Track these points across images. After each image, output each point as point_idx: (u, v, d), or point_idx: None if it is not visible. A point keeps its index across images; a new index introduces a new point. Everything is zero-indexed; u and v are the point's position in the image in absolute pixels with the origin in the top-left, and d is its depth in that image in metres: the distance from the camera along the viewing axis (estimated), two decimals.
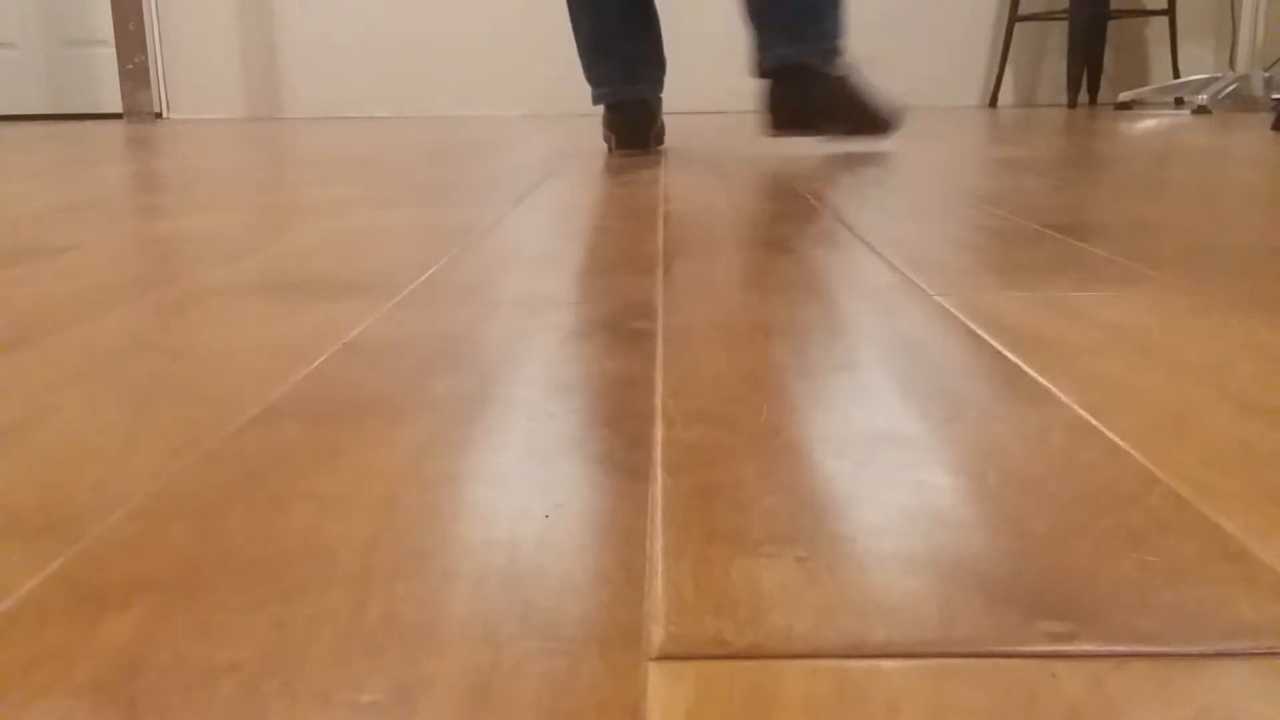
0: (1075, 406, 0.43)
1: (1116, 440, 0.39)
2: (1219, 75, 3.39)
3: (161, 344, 0.55)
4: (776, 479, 0.35)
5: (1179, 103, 3.77)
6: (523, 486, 0.35)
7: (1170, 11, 3.87)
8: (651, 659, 0.24)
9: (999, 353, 0.51)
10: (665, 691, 0.23)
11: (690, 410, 0.43)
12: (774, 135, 1.73)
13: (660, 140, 1.96)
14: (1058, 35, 4.23)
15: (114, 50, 4.09)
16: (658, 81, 1.89)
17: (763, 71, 1.70)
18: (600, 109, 1.94)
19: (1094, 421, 0.41)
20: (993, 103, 4.24)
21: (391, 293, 0.68)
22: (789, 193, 1.25)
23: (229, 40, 4.38)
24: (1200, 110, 3.25)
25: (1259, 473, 0.35)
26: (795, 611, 0.27)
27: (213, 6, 4.36)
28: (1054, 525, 0.31)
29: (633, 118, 1.86)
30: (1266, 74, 3.36)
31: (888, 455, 0.38)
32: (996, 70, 4.21)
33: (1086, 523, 0.32)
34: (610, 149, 1.95)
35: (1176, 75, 3.91)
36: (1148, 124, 2.72)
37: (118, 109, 4.30)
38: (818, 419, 0.42)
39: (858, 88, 1.69)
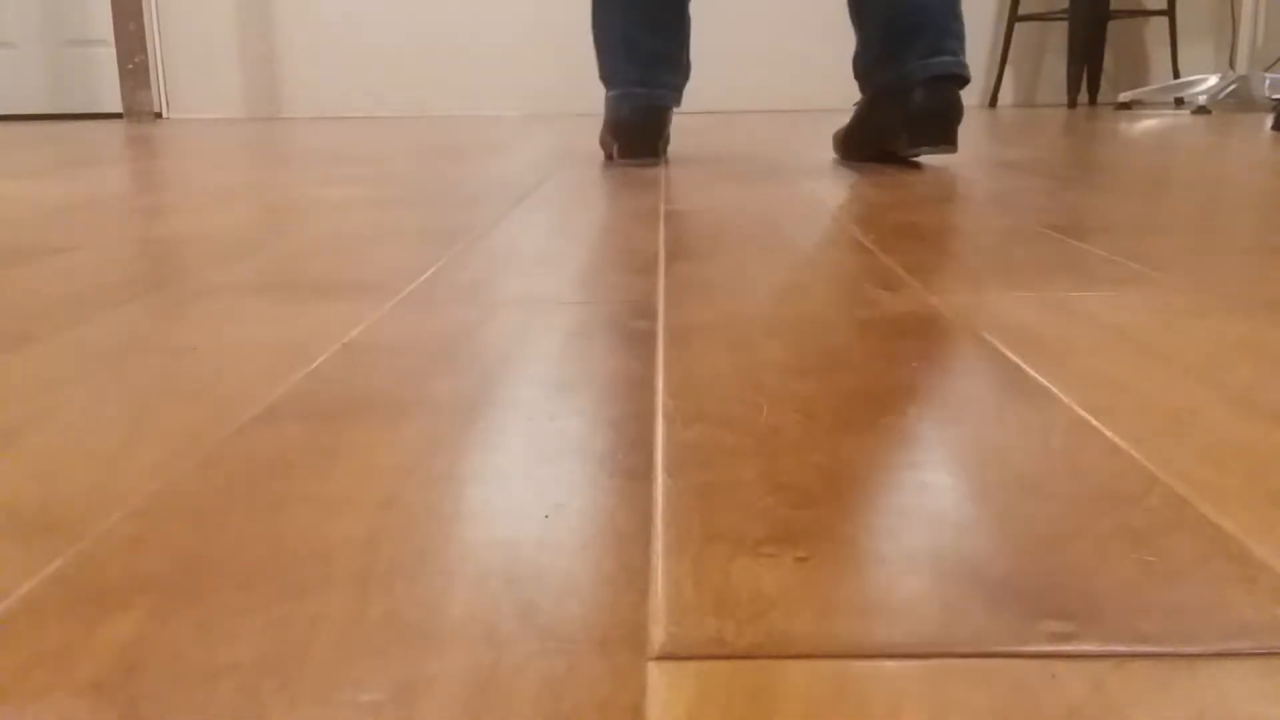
0: (1075, 406, 0.43)
1: (1116, 440, 0.39)
2: (1219, 75, 3.39)
3: (161, 344, 0.55)
4: (776, 479, 0.35)
5: (1179, 103, 3.77)
6: (523, 487, 0.35)
7: (1170, 11, 3.87)
8: (651, 659, 0.24)
9: (999, 353, 0.51)
10: (665, 691, 0.23)
11: (690, 410, 0.43)
12: (915, 154, 1.53)
13: (665, 150, 1.79)
14: (1058, 35, 4.23)
15: (114, 50, 4.09)
16: (678, 89, 1.71)
17: (906, 80, 1.49)
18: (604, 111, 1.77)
19: (1094, 421, 0.41)
20: (993, 103, 4.24)
21: (391, 293, 0.68)
22: (788, 192, 1.25)
23: (229, 40, 4.38)
24: (1200, 110, 3.25)
25: (1259, 473, 0.35)
26: (795, 611, 0.27)
27: (213, 6, 4.36)
28: (1054, 525, 0.31)
29: (644, 124, 1.68)
30: (1266, 74, 3.36)
31: (888, 455, 0.38)
32: (996, 70, 4.21)
33: (1087, 523, 0.32)
34: (609, 156, 1.78)
35: (1176, 75, 3.91)
36: (1148, 124, 2.72)
37: (118, 109, 4.30)
38: (817, 419, 0.42)
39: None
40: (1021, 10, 4.01)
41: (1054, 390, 0.45)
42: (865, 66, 1.57)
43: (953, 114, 1.47)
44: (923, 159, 1.64)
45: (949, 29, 1.46)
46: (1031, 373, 0.48)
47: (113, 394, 0.47)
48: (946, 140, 1.48)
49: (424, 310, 0.62)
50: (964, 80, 1.47)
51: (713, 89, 4.17)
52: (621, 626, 0.26)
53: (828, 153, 1.88)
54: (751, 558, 0.30)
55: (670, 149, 2.03)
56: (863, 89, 1.60)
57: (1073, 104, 3.92)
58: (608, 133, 1.76)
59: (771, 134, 2.52)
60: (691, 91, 1.90)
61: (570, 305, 0.63)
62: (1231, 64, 3.54)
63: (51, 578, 0.29)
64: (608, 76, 1.70)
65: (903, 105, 1.49)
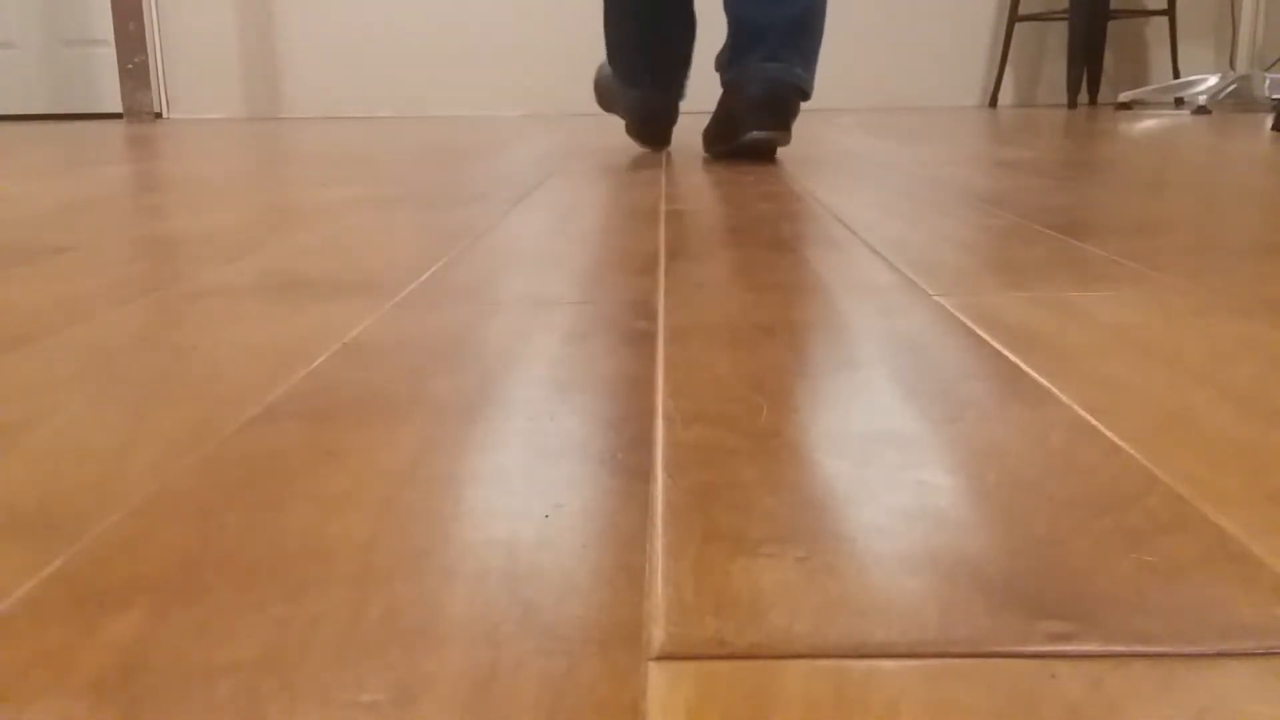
0: (1075, 406, 0.43)
1: (1116, 440, 0.39)
2: (1219, 75, 3.39)
3: (161, 344, 0.55)
4: (776, 479, 0.35)
5: (1179, 103, 3.77)
6: (523, 487, 0.35)
7: (1170, 11, 3.87)
8: (651, 659, 0.24)
9: (999, 353, 0.51)
10: (665, 691, 0.23)
11: (690, 410, 0.43)
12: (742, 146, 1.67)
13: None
14: (1058, 35, 4.23)
15: (114, 50, 4.09)
16: (685, 82, 1.90)
17: (742, 76, 1.63)
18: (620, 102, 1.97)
19: (1094, 421, 0.41)
20: (993, 103, 4.24)
21: (391, 293, 0.68)
22: (788, 193, 1.25)
23: (229, 40, 4.38)
24: (1200, 110, 3.25)
25: (1259, 473, 0.35)
26: (795, 611, 0.27)
27: (213, 6, 4.36)
28: (1054, 525, 0.31)
29: (664, 122, 1.89)
30: (1266, 74, 3.36)
31: (888, 455, 0.38)
32: (996, 70, 4.21)
33: (1086, 523, 0.32)
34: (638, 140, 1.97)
35: (1176, 75, 3.91)
36: (1148, 124, 2.72)
37: (118, 109, 4.30)
38: (818, 419, 0.42)
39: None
40: (1021, 10, 4.01)
41: (1054, 390, 0.45)
42: (721, 64, 1.73)
43: (780, 105, 1.61)
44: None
45: (792, 43, 1.61)
46: (1031, 373, 0.48)
47: (113, 394, 0.47)
48: (776, 125, 1.62)
49: (424, 310, 0.62)
50: (795, 88, 1.61)
51: (714, 89, 4.17)
52: (621, 626, 0.26)
53: (828, 154, 1.88)
54: (751, 558, 0.30)
55: (671, 147, 2.03)
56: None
57: (1073, 104, 3.92)
58: (626, 118, 1.92)
59: None
60: (693, 91, 1.94)
61: (570, 305, 0.63)
62: (1231, 64, 3.54)
63: (51, 578, 0.29)
64: (624, 76, 1.84)
65: (738, 97, 1.63)
